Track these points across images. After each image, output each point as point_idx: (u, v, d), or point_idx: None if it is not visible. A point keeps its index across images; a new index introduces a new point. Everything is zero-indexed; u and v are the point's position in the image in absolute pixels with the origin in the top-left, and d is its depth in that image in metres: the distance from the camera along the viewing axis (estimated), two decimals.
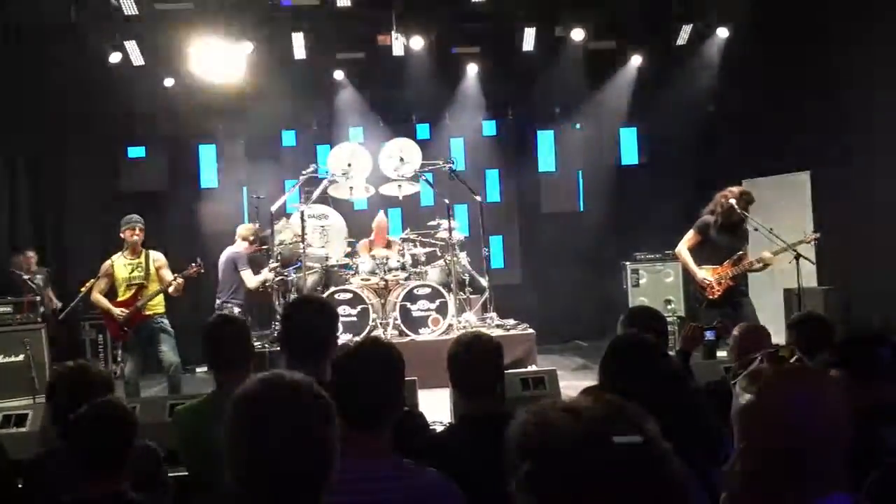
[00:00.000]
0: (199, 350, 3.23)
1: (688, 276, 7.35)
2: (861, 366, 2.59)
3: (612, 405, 1.21)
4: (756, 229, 7.05)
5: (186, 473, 3.04)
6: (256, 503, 1.47)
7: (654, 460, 1.16)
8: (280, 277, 8.59)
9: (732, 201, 6.82)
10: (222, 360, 3.10)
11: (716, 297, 6.84)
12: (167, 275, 7.20)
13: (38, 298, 8.62)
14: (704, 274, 6.88)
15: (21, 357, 7.66)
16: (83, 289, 7.27)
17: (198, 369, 8.65)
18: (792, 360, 2.01)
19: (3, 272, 9.21)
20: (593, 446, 1.15)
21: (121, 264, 7.10)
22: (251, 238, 8.57)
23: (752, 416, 1.57)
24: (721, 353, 6.98)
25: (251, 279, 8.36)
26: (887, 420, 2.39)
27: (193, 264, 7.94)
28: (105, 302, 7.04)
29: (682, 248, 7.08)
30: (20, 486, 2.95)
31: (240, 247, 8.49)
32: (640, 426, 1.18)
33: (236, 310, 8.03)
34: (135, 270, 7.08)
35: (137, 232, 7.09)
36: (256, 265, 8.68)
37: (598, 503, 1.13)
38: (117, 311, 6.97)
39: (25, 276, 9.05)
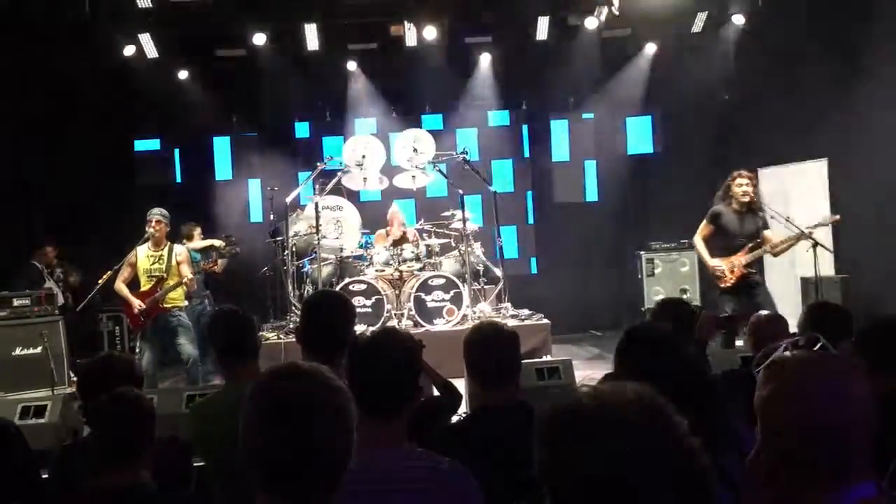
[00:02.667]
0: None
1: (703, 265, 7.35)
2: (885, 354, 2.57)
3: (641, 395, 1.21)
4: (772, 217, 7.04)
5: (203, 464, 3.07)
6: (272, 493, 1.48)
7: (682, 453, 1.16)
8: (232, 246, 8.58)
9: (742, 183, 6.86)
10: (228, 353, 3.13)
11: (728, 285, 6.85)
12: (186, 270, 7.25)
13: (56, 292, 8.70)
14: (715, 262, 6.90)
15: (39, 349, 7.73)
16: (101, 281, 7.33)
17: None
18: (816, 348, 2.00)
19: (21, 266, 9.30)
20: (619, 436, 1.15)
21: (144, 255, 7.18)
22: (192, 235, 8.58)
23: (774, 405, 1.56)
24: (740, 343, 6.98)
25: (195, 245, 8.40)
26: None
27: (209, 260, 8.04)
28: (126, 291, 7.13)
29: (697, 237, 7.13)
30: (45, 476, 2.99)
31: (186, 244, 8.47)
32: (668, 418, 1.18)
33: (195, 301, 8.10)
34: (156, 263, 7.17)
35: (154, 224, 7.13)
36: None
37: (617, 492, 1.13)
38: (136, 303, 7.04)
39: (46, 271, 9.17)
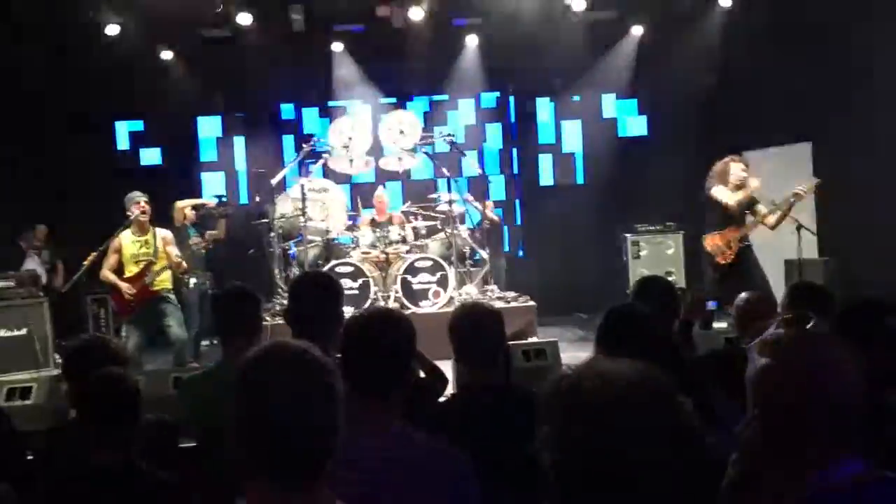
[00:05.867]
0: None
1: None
2: (866, 333, 2.60)
3: (643, 373, 1.23)
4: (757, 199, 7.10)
5: (194, 444, 3.07)
6: (262, 471, 1.49)
7: (684, 432, 1.18)
8: (224, 206, 8.59)
9: (739, 165, 7.02)
10: (230, 330, 3.13)
11: (729, 260, 6.90)
12: (173, 251, 7.21)
13: (41, 273, 8.66)
14: (713, 240, 6.97)
15: (24, 331, 7.70)
16: (86, 262, 7.27)
17: (203, 342, 8.70)
18: (808, 326, 2.03)
19: (8, 247, 9.26)
20: (620, 412, 1.16)
21: (129, 241, 7.09)
22: (184, 212, 8.56)
23: (768, 380, 1.59)
24: (719, 325, 7.04)
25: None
26: (891, 385, 2.41)
27: (200, 238, 8.01)
28: (114, 279, 6.99)
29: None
30: (31, 458, 2.99)
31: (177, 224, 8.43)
32: (672, 397, 1.20)
33: (193, 280, 8.09)
34: (143, 247, 7.08)
35: (143, 205, 7.07)
36: (205, 228, 8.69)
37: (620, 469, 1.15)
38: (125, 287, 6.96)
39: (32, 251, 9.13)
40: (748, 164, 7.17)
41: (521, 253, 11.77)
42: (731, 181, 7.00)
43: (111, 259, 7.05)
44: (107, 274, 7.04)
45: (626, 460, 1.16)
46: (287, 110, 11.68)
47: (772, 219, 6.92)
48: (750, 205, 6.97)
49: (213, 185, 11.32)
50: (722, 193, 6.99)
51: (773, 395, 1.57)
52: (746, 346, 1.84)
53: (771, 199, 7.03)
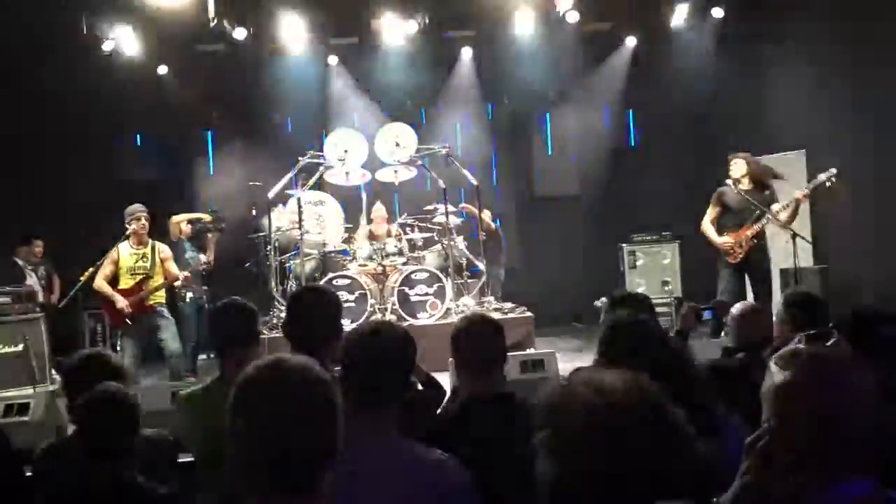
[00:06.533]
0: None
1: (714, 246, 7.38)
2: (867, 344, 2.60)
3: (636, 383, 1.23)
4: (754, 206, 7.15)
5: (192, 459, 3.06)
6: (258, 485, 1.49)
7: (678, 441, 1.18)
8: (219, 221, 8.62)
9: (738, 162, 7.20)
10: (227, 344, 3.13)
11: (738, 260, 7.05)
12: (172, 267, 7.22)
13: (38, 289, 8.63)
14: (724, 239, 7.12)
15: (20, 347, 7.67)
16: (83, 277, 7.26)
17: (200, 356, 8.67)
18: (829, 343, 2.03)
19: (4, 262, 9.23)
20: (613, 421, 1.17)
21: (127, 253, 7.09)
22: (180, 227, 8.58)
23: (784, 396, 1.59)
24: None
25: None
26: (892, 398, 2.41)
27: (201, 258, 8.03)
28: (108, 290, 6.99)
29: (705, 222, 7.31)
30: (28, 475, 2.98)
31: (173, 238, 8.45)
32: (664, 406, 1.20)
33: (189, 294, 8.08)
34: (139, 260, 7.08)
35: (144, 221, 7.09)
36: (200, 242, 8.70)
37: (614, 477, 1.15)
38: (122, 302, 6.94)
39: (29, 267, 9.09)
40: (748, 160, 7.31)
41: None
42: (732, 176, 7.19)
43: (107, 269, 7.05)
44: (100, 283, 7.03)
45: (619, 469, 1.16)
46: (283, 123, 11.68)
47: (784, 215, 7.02)
48: (750, 211, 7.08)
49: (209, 199, 11.30)
50: (709, 228, 7.24)
51: (788, 410, 1.57)
52: (768, 359, 1.83)
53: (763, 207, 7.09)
